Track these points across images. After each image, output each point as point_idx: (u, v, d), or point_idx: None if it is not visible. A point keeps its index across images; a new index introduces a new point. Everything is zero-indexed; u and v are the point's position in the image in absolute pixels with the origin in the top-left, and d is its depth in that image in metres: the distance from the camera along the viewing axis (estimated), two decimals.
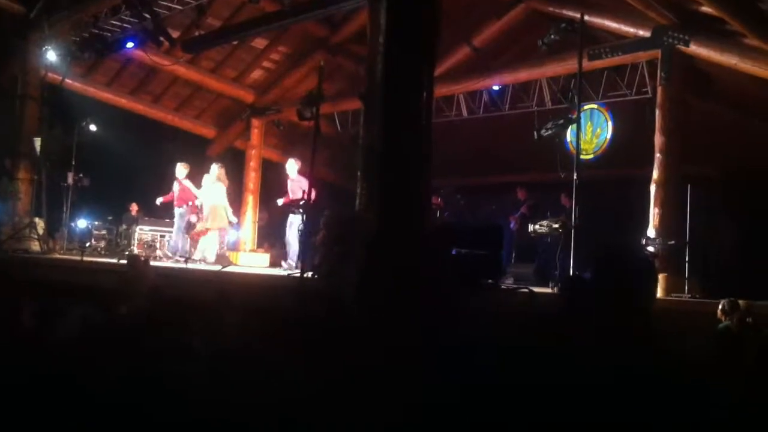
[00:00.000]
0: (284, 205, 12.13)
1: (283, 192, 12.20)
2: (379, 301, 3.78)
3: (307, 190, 11.22)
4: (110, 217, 15.57)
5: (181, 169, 13.13)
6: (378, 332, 3.44)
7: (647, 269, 2.97)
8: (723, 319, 5.43)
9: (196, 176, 13.18)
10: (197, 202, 12.86)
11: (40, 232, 13.11)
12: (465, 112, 14.19)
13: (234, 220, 13.52)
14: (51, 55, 13.21)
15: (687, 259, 9.49)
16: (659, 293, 8.91)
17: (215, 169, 12.60)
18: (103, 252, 14.37)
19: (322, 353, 3.28)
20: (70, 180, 13.71)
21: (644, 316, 2.75)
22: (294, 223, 11.55)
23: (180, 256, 12.41)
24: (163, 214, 14.08)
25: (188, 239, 12.96)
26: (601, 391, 2.29)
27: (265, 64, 16.49)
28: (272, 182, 12.96)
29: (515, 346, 3.02)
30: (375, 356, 3.12)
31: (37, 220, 13.20)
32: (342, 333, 3.53)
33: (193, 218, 12.95)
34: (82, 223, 15.21)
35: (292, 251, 11.60)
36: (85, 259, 11.40)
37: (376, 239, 4.05)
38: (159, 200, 13.61)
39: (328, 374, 3.02)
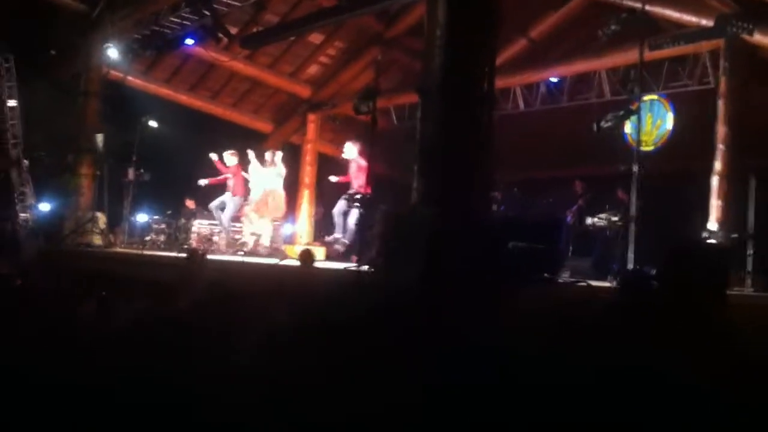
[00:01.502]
0: (338, 182, 12.23)
1: (343, 174, 12.26)
2: (440, 296, 3.77)
3: (364, 176, 11.32)
4: (169, 212, 15.79)
5: (230, 158, 13.18)
6: (438, 326, 3.43)
7: (721, 263, 2.89)
8: None
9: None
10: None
11: (102, 226, 13.39)
12: (522, 105, 14.07)
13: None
14: (112, 53, 13.45)
15: (750, 252, 9.28)
16: None
17: (279, 155, 12.65)
18: (162, 246, 14.61)
19: (378, 347, 3.28)
20: (130, 175, 13.97)
21: (715, 314, 2.68)
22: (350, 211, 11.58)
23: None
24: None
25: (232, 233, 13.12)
26: (656, 388, 2.25)
27: (322, 59, 16.57)
28: (328, 177, 12.99)
29: (570, 341, 2.99)
30: (433, 350, 3.12)
31: (98, 214, 13.47)
32: (400, 327, 3.54)
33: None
34: (142, 218, 15.47)
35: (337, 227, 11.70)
36: (146, 252, 11.60)
37: (436, 234, 4.04)
38: (203, 182, 13.68)
39: (383, 368, 3.02)
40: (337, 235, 11.66)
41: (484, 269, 3.82)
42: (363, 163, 11.21)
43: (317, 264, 11.58)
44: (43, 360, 3.54)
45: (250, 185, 13.00)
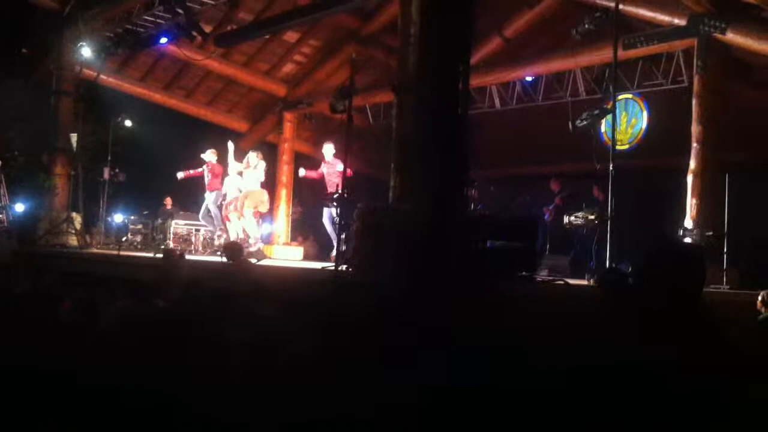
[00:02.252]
0: (304, 177, 12.25)
1: (315, 168, 12.28)
2: (414, 292, 3.77)
3: (338, 178, 11.31)
4: (146, 212, 15.70)
5: (210, 155, 13.17)
6: (412, 322, 3.44)
7: (698, 260, 2.90)
8: (763, 310, 5.35)
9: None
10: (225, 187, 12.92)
11: (77, 226, 13.27)
12: (498, 104, 14.12)
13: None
14: (85, 51, 13.32)
15: (725, 249, 9.37)
16: None
17: (254, 156, 12.58)
18: (139, 246, 14.51)
19: (356, 343, 3.28)
20: (106, 175, 13.87)
21: (692, 309, 2.70)
22: (329, 213, 11.59)
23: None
24: (196, 208, 14.12)
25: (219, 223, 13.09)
26: (637, 384, 2.26)
27: (297, 57, 16.52)
28: (299, 170, 12.99)
29: (548, 339, 3.00)
30: (409, 345, 3.12)
31: (74, 214, 13.35)
32: (376, 323, 3.54)
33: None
34: (118, 218, 15.39)
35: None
36: (122, 253, 11.51)
37: (410, 231, 4.04)
38: (180, 174, 13.64)
39: (359, 363, 3.02)
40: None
41: (459, 267, 3.83)
42: (339, 166, 11.23)
43: (294, 263, 11.59)
44: (22, 362, 3.50)
45: (226, 186, 12.94)
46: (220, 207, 13.10)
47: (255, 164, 12.44)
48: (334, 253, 11.47)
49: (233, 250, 8.43)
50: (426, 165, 4.14)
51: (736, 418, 2.21)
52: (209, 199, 13.07)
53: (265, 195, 12.65)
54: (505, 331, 3.21)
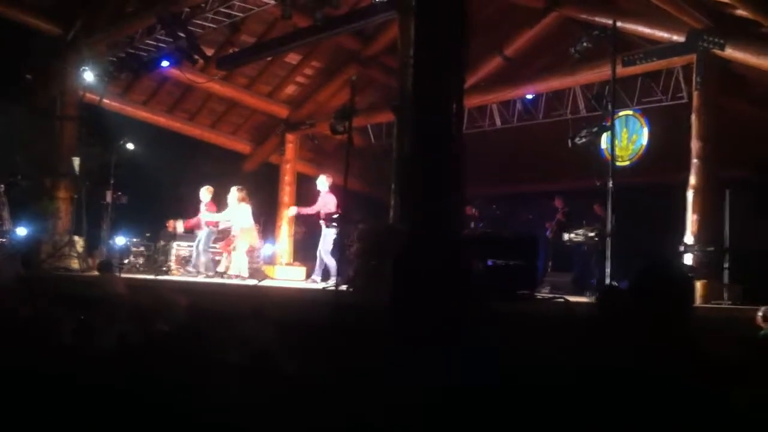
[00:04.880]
0: (297, 215, 12.30)
1: (310, 203, 12.29)
2: (408, 314, 3.78)
3: (333, 207, 11.36)
4: (148, 234, 15.71)
5: (205, 194, 13.22)
6: (406, 345, 3.44)
7: (685, 284, 2.92)
8: (764, 325, 5.34)
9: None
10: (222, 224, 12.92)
11: (80, 250, 13.30)
12: (498, 122, 14.17)
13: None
14: (88, 76, 13.39)
15: (726, 265, 9.36)
16: (698, 301, 8.81)
17: (235, 193, 12.59)
18: (141, 268, 14.53)
19: (354, 365, 3.29)
20: (108, 198, 13.89)
21: (682, 328, 2.71)
22: (326, 238, 11.59)
23: (208, 272, 12.58)
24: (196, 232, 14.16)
25: (211, 255, 13.09)
26: (632, 399, 2.27)
27: (299, 79, 16.61)
28: (307, 195, 13.00)
29: (548, 356, 3.01)
30: (403, 369, 3.12)
31: (76, 238, 13.39)
32: (372, 345, 3.54)
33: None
34: (120, 240, 15.39)
35: (317, 266, 11.70)
36: (123, 275, 11.53)
37: (405, 251, 4.06)
38: (180, 228, 13.70)
39: (356, 385, 3.02)
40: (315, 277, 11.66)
41: (458, 287, 3.84)
42: (330, 201, 11.34)
43: (296, 284, 11.61)
44: (25, 384, 3.52)
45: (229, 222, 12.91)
46: (217, 240, 13.13)
47: (234, 203, 12.50)
48: (313, 278, 11.58)
49: (103, 264, 9.26)
50: (421, 184, 4.16)
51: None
52: (202, 234, 13.05)
53: (254, 231, 12.72)
54: (497, 349, 3.21)
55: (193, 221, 13.45)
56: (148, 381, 3.53)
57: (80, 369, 3.97)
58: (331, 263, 11.31)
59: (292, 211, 12.54)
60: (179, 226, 13.66)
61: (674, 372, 2.39)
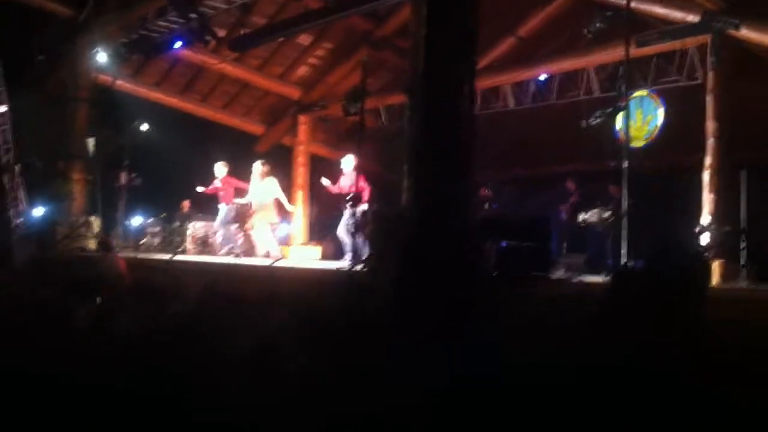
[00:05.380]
0: (326, 191, 12.19)
1: (334, 181, 12.21)
2: (413, 296, 3.77)
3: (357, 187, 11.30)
4: (163, 215, 15.80)
5: (221, 168, 13.18)
6: (409, 328, 3.43)
7: (700, 263, 2.91)
8: None
9: (245, 173, 13.23)
10: (244, 200, 12.85)
11: (95, 230, 13.36)
12: (512, 103, 14.09)
13: (291, 208, 13.47)
14: (101, 58, 13.40)
15: (743, 246, 9.31)
16: (715, 281, 8.79)
17: (259, 167, 12.53)
18: (157, 248, 14.61)
19: (360, 348, 3.29)
20: (122, 180, 13.95)
21: (695, 309, 2.69)
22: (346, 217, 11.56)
23: (233, 250, 12.56)
24: (214, 211, 14.20)
25: (239, 233, 13.05)
26: (643, 382, 2.26)
27: (311, 60, 16.57)
28: (321, 177, 12.94)
29: (561, 337, 3.00)
30: (406, 351, 3.12)
31: (92, 218, 13.45)
32: (377, 328, 3.54)
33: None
34: (136, 221, 15.47)
35: (346, 246, 11.64)
36: (139, 256, 11.59)
37: (414, 233, 4.05)
38: (200, 188, 13.66)
39: (358, 368, 3.02)
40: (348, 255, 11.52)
41: (470, 269, 3.83)
42: (353, 181, 11.29)
43: (311, 264, 11.59)
44: (43, 369, 3.53)
45: (249, 196, 12.82)
46: (236, 219, 13.06)
47: (257, 178, 12.47)
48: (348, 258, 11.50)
49: (103, 244, 9.11)
50: (431, 166, 4.14)
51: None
52: (222, 210, 13.04)
53: (272, 208, 12.65)
54: (510, 332, 3.20)
55: (211, 190, 13.35)
56: (162, 364, 3.54)
57: (94, 354, 3.99)
58: (348, 240, 11.31)
59: (325, 181, 12.33)
60: (199, 188, 13.54)
61: (685, 361, 2.37)
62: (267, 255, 12.03)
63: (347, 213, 11.43)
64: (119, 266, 7.39)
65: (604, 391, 2.36)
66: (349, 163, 11.95)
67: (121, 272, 7.17)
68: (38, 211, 15.29)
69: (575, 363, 2.46)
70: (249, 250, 12.54)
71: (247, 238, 12.88)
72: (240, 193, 12.99)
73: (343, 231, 11.60)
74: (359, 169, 11.22)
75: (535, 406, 2.51)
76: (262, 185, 12.46)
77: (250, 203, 12.65)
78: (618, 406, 2.39)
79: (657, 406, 2.29)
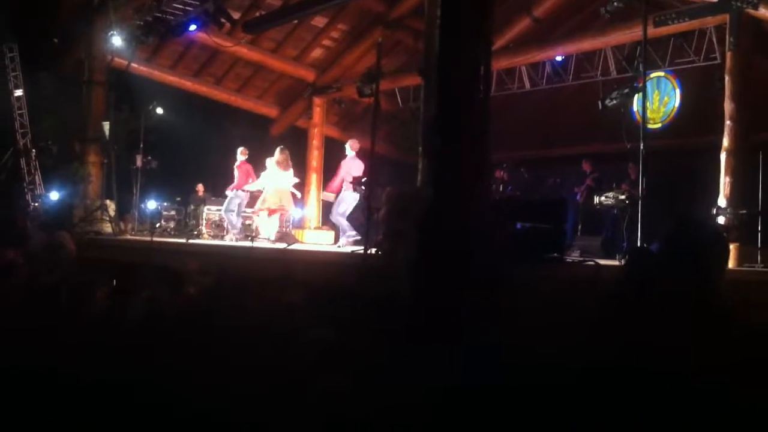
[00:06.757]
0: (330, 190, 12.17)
1: (335, 170, 12.14)
2: (428, 279, 3.75)
3: (359, 172, 11.27)
4: (178, 198, 15.86)
5: (238, 155, 13.22)
6: (425, 310, 3.41)
7: (719, 242, 2.86)
8: None
9: (259, 156, 13.23)
10: (256, 187, 12.82)
11: (111, 213, 13.41)
12: (527, 84, 14.00)
13: (297, 194, 13.43)
14: (116, 40, 13.39)
15: (760, 228, 9.23)
16: (731, 263, 8.71)
17: (276, 155, 12.48)
18: (172, 232, 14.67)
19: (378, 330, 3.27)
20: (138, 163, 14.00)
21: (711, 290, 2.66)
22: (343, 201, 11.49)
23: (238, 234, 12.59)
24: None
25: (240, 218, 13.09)
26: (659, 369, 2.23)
27: (325, 42, 16.50)
28: (335, 160, 12.89)
29: (575, 321, 2.97)
30: (419, 335, 3.09)
31: (108, 202, 13.50)
32: (394, 310, 3.52)
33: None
34: (151, 205, 15.54)
35: (341, 229, 11.65)
36: (155, 239, 11.62)
37: (428, 215, 4.03)
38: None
39: (377, 353, 3.00)
40: (351, 233, 11.46)
41: (484, 250, 3.81)
42: (356, 166, 11.26)
43: (324, 248, 11.61)
44: (56, 353, 3.53)
45: (262, 184, 12.77)
46: (240, 206, 13.08)
47: (272, 166, 12.43)
48: (343, 240, 11.48)
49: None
50: (447, 148, 4.12)
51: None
52: (230, 194, 13.04)
53: (282, 194, 12.57)
54: (523, 316, 3.18)
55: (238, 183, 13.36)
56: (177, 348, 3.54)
57: (110, 337, 3.98)
58: (344, 224, 11.31)
59: (329, 197, 12.28)
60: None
61: (703, 345, 2.34)
62: (272, 241, 12.05)
63: (347, 196, 11.39)
64: (69, 243, 7.37)
65: (619, 385, 2.33)
66: (350, 147, 11.86)
67: (71, 248, 7.18)
68: (54, 195, 15.39)
69: (590, 353, 2.43)
70: (251, 235, 12.54)
71: (251, 223, 12.91)
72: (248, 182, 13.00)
73: (336, 215, 11.58)
74: (361, 155, 11.19)
75: (551, 390, 2.48)
76: (281, 175, 12.35)
77: (261, 190, 12.61)
78: (633, 402, 2.36)
79: (676, 400, 2.26)
